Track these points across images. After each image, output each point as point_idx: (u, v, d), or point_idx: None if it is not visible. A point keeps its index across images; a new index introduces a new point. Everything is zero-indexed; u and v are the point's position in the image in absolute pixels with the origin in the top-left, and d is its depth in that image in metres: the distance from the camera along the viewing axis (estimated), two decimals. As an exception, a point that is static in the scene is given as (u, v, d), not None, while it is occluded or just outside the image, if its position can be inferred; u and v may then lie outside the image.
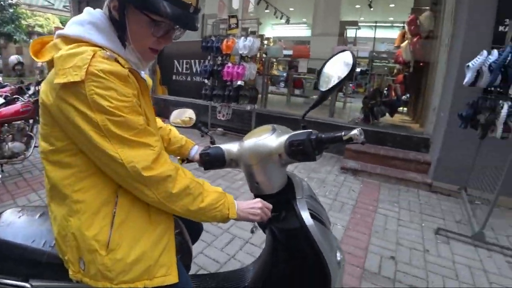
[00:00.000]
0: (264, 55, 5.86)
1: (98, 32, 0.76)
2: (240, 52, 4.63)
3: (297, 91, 8.39)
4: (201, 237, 2.24)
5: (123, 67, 0.73)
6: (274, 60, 7.97)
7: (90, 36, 0.74)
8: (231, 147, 1.07)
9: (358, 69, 7.60)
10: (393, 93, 7.23)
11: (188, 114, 1.38)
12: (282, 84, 8.62)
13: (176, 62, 6.75)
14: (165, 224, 0.85)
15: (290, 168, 1.05)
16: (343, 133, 0.82)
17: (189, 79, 6.61)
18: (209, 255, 2.07)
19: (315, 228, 0.94)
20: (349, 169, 3.79)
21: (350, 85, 8.12)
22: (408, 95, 6.77)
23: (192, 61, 6.41)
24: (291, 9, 9.82)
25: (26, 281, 0.88)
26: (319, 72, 1.02)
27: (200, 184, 0.84)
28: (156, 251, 0.80)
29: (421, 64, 6.48)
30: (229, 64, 4.78)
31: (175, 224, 0.93)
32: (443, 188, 3.27)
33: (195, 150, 1.26)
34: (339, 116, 5.64)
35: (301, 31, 11.10)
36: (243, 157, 0.99)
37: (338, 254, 1.03)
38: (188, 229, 1.12)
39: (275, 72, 8.86)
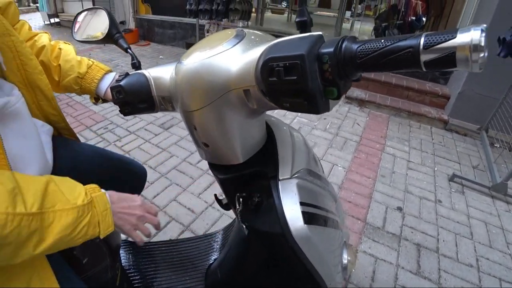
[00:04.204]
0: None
1: None
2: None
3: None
4: (175, 181, 1.88)
5: None
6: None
7: None
8: (162, 72, 0.56)
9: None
10: (412, 12, 6.30)
11: (101, 19, 0.74)
12: (284, 3, 7.54)
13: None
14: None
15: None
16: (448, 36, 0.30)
17: (174, -7, 5.55)
18: (183, 202, 1.73)
19: (309, 237, 0.50)
20: (355, 98, 3.28)
21: (360, 5, 7.14)
22: (428, 15, 5.86)
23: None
24: None
25: None
26: None
27: (30, 215, 0.43)
28: None
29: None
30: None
31: None
32: (460, 126, 2.85)
33: (109, 81, 0.73)
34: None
35: None
36: (179, 94, 0.49)
37: (344, 257, 0.67)
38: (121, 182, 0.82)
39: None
